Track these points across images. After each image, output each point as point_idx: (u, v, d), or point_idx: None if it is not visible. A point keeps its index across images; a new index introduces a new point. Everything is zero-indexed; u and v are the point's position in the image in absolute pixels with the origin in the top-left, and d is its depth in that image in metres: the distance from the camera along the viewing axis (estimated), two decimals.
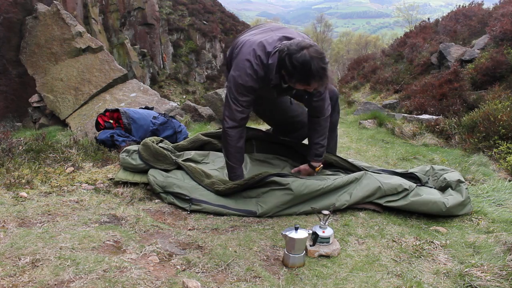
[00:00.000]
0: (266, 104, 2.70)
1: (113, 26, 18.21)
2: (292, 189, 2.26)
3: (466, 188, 2.45)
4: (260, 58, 2.23)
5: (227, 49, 2.58)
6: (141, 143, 2.65)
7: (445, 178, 2.56)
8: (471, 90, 7.30)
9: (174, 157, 2.61)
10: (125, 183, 2.65)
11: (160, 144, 2.75)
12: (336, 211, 2.33)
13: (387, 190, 2.35)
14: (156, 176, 2.47)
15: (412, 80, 10.14)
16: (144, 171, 2.60)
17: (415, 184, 2.42)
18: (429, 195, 2.35)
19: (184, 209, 2.34)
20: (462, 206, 2.33)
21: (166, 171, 2.54)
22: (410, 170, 2.72)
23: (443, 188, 2.53)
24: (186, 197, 2.33)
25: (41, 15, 8.91)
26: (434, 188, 2.55)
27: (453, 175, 2.59)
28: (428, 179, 2.65)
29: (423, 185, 2.51)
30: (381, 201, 2.36)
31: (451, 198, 2.32)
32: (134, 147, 2.75)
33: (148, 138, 2.77)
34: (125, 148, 2.78)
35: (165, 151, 2.58)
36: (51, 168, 2.80)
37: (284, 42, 2.22)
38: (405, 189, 2.34)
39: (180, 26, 23.60)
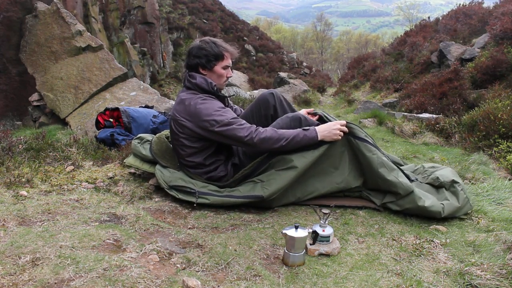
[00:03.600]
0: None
1: (113, 25, 18.19)
2: (297, 166, 2.26)
3: (462, 190, 2.34)
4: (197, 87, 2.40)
5: None
6: (156, 135, 2.67)
7: (438, 178, 2.45)
8: (471, 89, 7.29)
9: None
10: (125, 181, 2.66)
11: None
12: (336, 210, 2.34)
13: (382, 185, 2.30)
14: (163, 171, 2.47)
15: (412, 79, 10.14)
16: (153, 162, 2.61)
17: (412, 189, 2.25)
18: (425, 199, 2.24)
19: (190, 203, 2.32)
20: (459, 209, 2.26)
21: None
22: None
23: (436, 187, 2.45)
24: (192, 190, 2.33)
25: (41, 14, 8.90)
26: (425, 183, 2.49)
27: (446, 174, 2.47)
28: (418, 175, 2.62)
29: (412, 181, 2.42)
30: (377, 201, 2.35)
31: (447, 205, 2.23)
32: (148, 136, 2.77)
33: (163, 132, 2.79)
34: (138, 135, 2.80)
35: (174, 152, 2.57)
36: (51, 167, 2.81)
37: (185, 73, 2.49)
38: (398, 193, 2.25)
39: (180, 25, 23.58)
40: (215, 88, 2.42)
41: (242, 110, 2.81)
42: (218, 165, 2.44)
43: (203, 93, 2.39)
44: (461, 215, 2.29)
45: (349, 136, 2.33)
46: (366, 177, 2.37)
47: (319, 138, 2.28)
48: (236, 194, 2.30)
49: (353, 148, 2.34)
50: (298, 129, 2.29)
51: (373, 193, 2.41)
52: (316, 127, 2.31)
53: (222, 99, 2.51)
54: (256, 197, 2.25)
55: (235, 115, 2.33)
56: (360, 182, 2.39)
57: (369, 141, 2.35)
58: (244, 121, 2.31)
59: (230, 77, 2.57)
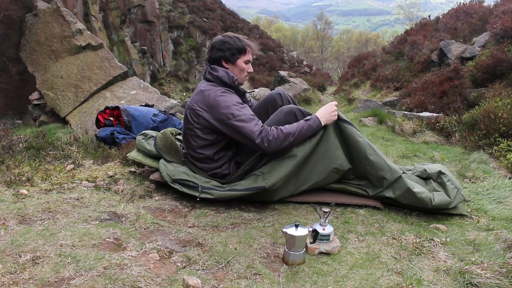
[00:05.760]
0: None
1: (113, 23, 18.18)
2: (296, 154, 2.28)
3: (449, 181, 2.37)
4: (217, 79, 2.40)
5: None
6: (161, 132, 2.69)
7: (425, 170, 2.53)
8: (472, 87, 7.28)
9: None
10: (126, 180, 2.66)
11: (179, 137, 2.79)
12: (337, 208, 2.34)
13: (370, 169, 2.32)
14: (166, 165, 2.48)
15: (412, 78, 10.12)
16: (156, 158, 2.62)
17: (400, 173, 2.30)
18: (414, 185, 2.28)
19: (190, 201, 2.32)
20: (450, 203, 2.26)
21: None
22: None
23: (424, 179, 2.51)
24: (195, 185, 2.34)
25: (41, 13, 8.89)
26: (414, 176, 2.53)
27: (434, 167, 2.55)
28: (408, 172, 2.64)
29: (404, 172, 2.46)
30: (369, 191, 2.37)
31: (437, 195, 2.26)
32: (152, 132, 2.80)
33: (168, 128, 2.81)
34: (143, 131, 2.83)
35: (179, 147, 2.60)
36: (51, 166, 2.81)
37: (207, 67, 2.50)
38: (384, 178, 2.29)
39: (180, 24, 23.55)
40: (236, 83, 2.44)
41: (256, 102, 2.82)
42: (224, 162, 2.45)
43: (223, 86, 2.40)
44: (454, 211, 2.29)
45: (338, 119, 2.38)
46: (354, 162, 2.39)
47: (323, 124, 2.32)
48: (239, 188, 2.31)
49: (342, 132, 2.38)
50: (301, 121, 2.32)
51: (364, 183, 2.42)
52: (316, 114, 2.35)
53: (242, 94, 2.53)
54: (258, 188, 2.26)
55: (252, 113, 2.34)
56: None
57: (354, 125, 2.42)
58: (260, 121, 2.31)
59: (251, 72, 2.59)
